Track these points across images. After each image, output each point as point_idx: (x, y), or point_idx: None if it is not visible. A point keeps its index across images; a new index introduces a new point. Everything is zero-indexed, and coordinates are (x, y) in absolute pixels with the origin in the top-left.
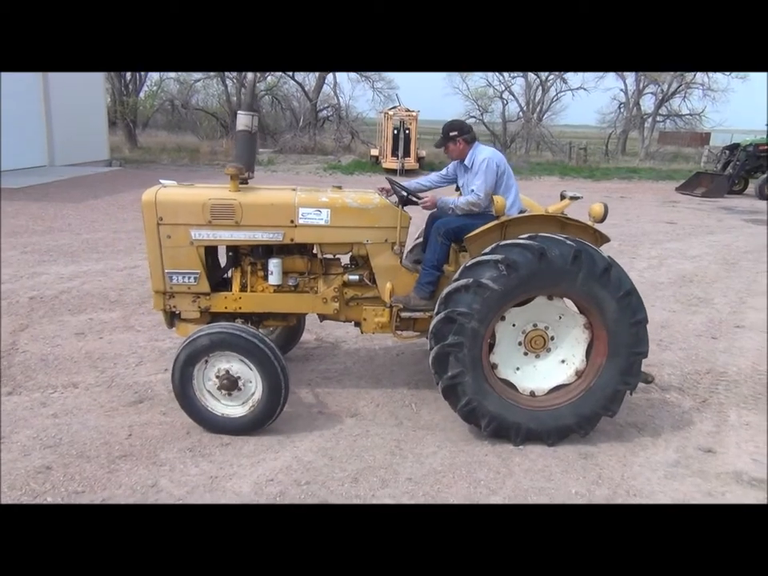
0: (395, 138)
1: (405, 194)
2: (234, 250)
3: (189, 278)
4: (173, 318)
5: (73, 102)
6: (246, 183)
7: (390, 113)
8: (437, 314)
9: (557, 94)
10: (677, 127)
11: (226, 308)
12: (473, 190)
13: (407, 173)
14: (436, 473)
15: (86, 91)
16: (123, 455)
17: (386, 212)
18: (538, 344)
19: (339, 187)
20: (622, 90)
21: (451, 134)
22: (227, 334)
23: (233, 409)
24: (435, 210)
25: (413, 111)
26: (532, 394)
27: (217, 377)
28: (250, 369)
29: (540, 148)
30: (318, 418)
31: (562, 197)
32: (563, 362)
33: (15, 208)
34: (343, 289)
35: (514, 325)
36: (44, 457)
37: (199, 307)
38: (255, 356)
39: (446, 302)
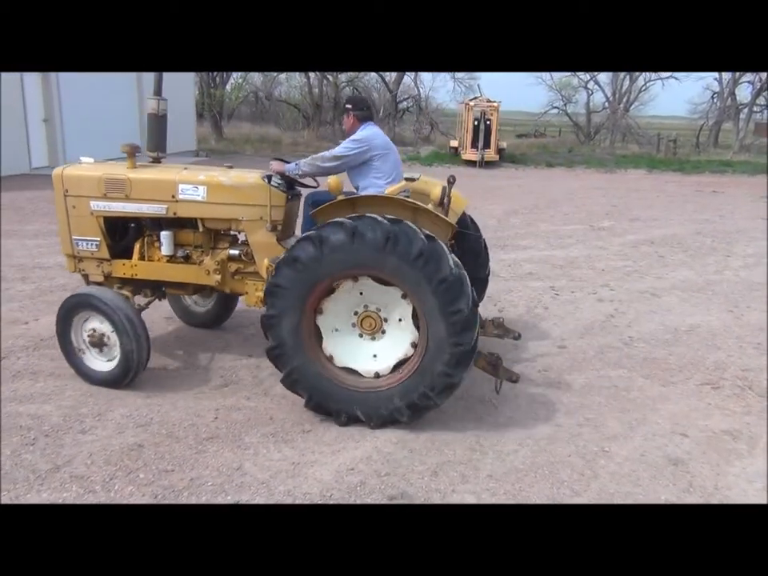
0: (476, 129)
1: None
2: (137, 222)
3: (91, 244)
4: (88, 281)
5: (165, 96)
6: (159, 162)
7: (471, 103)
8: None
9: (645, 84)
10: None
11: (124, 274)
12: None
13: (487, 164)
14: (517, 471)
15: (176, 85)
16: (210, 437)
17: (259, 191)
18: (370, 325)
19: (230, 167)
20: (716, 78)
21: (346, 106)
22: (68, 301)
23: (105, 363)
24: (282, 172)
25: (494, 102)
26: (376, 375)
27: (88, 335)
28: (104, 323)
29: (626, 140)
30: None
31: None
32: (398, 340)
33: None
34: (228, 263)
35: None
36: (136, 435)
37: (103, 272)
38: (99, 309)
39: (273, 275)
